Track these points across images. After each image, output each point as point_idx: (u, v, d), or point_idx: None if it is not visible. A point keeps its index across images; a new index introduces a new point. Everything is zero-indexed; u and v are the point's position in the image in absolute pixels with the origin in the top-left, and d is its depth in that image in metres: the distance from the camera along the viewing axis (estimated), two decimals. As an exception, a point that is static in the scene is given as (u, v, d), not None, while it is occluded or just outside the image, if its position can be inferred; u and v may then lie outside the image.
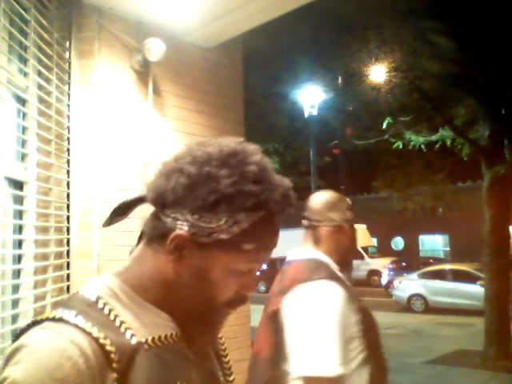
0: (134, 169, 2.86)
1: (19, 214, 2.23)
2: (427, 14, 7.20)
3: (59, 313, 0.69)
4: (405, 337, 9.87)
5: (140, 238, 0.82)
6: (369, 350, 1.55)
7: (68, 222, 2.58)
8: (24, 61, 2.24)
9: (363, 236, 17.34)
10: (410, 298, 13.86)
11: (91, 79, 2.72)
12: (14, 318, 2.06)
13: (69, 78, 2.64)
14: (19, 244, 2.19)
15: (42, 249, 2.32)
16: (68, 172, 2.61)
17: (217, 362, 0.90)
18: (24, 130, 2.24)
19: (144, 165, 2.90)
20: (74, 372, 0.63)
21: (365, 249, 20.76)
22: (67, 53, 2.65)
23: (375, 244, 25.00)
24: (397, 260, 20.50)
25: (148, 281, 0.77)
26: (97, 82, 2.73)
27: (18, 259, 2.17)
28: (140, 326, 0.73)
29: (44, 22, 2.34)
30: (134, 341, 0.70)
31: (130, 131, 2.89)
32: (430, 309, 13.37)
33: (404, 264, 19.75)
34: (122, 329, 0.71)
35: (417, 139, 9.04)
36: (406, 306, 13.87)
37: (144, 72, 2.95)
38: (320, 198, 1.78)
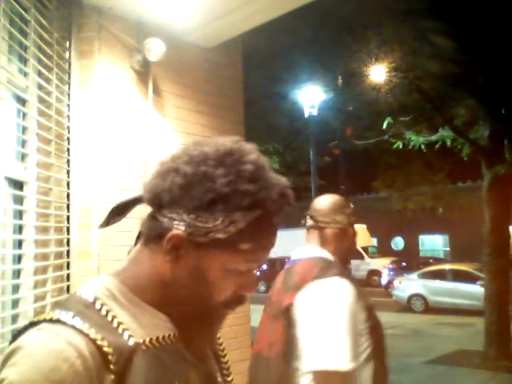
0: (134, 169, 2.86)
1: (19, 214, 2.23)
2: (427, 14, 7.21)
3: (56, 314, 0.69)
4: (405, 337, 9.87)
5: (138, 239, 0.82)
6: (373, 347, 1.61)
7: (68, 222, 2.58)
8: (24, 61, 2.24)
9: (363, 236, 17.36)
10: (410, 297, 13.86)
11: (91, 79, 2.72)
12: (14, 318, 2.06)
13: (69, 78, 2.64)
14: (19, 244, 2.19)
15: (42, 249, 2.32)
16: (68, 172, 2.61)
17: (215, 363, 0.89)
18: (24, 129, 2.24)
19: (144, 165, 2.90)
20: (72, 374, 0.62)
21: (365, 249, 20.76)
22: (67, 53, 2.65)
23: (375, 244, 25.01)
24: (397, 260, 20.49)
25: (145, 281, 0.77)
26: (97, 82, 2.73)
27: (18, 259, 2.17)
28: (138, 327, 0.73)
29: (44, 21, 2.34)
30: (131, 342, 0.70)
31: (130, 131, 2.89)
32: (429, 309, 13.37)
33: (404, 264, 19.75)
34: (120, 330, 0.70)
35: (417, 139, 9.03)
36: (406, 306, 13.86)
37: (144, 72, 2.95)
38: (328, 201, 1.84)
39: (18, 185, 2.20)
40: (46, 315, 0.70)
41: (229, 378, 0.92)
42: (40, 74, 2.35)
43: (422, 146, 9.32)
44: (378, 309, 1.77)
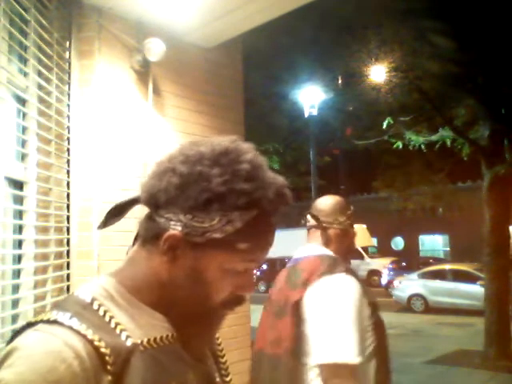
0: (134, 169, 2.86)
1: (19, 214, 2.23)
2: (427, 14, 7.20)
3: (53, 315, 0.69)
4: (405, 337, 9.87)
5: (135, 239, 0.82)
6: (376, 344, 1.64)
7: (68, 222, 2.58)
8: (24, 61, 2.24)
9: (363, 236, 17.33)
10: (410, 297, 13.86)
11: (91, 79, 2.72)
12: (14, 318, 2.06)
13: (69, 78, 2.64)
14: (19, 244, 2.19)
15: (42, 249, 2.32)
16: (68, 172, 2.61)
17: (214, 363, 0.89)
18: (24, 129, 2.24)
19: (144, 165, 2.90)
20: (69, 374, 0.62)
21: (365, 249, 20.75)
22: (67, 53, 2.65)
23: (375, 244, 25.01)
24: (397, 260, 20.50)
25: (143, 282, 0.77)
26: (97, 82, 2.73)
27: (18, 259, 2.17)
28: (135, 328, 0.73)
29: (44, 21, 2.34)
30: (129, 342, 0.70)
31: (130, 131, 2.89)
32: (430, 309, 13.37)
33: (404, 264, 19.77)
34: (118, 330, 0.70)
35: (417, 139, 9.04)
36: (406, 306, 13.87)
37: (144, 72, 2.95)
38: (330, 201, 1.88)
39: (18, 185, 2.20)
40: (43, 316, 0.70)
41: (227, 379, 0.91)
42: (40, 73, 2.35)
43: (422, 146, 9.33)
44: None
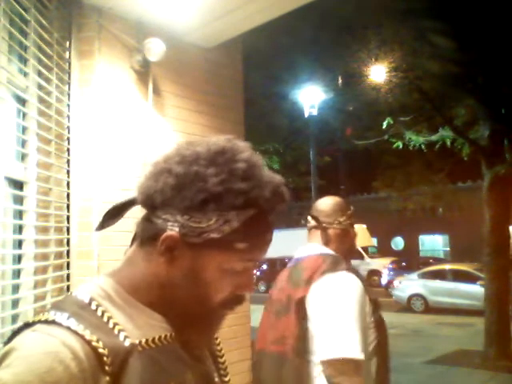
0: (134, 169, 2.86)
1: (19, 214, 2.23)
2: (427, 14, 7.21)
3: (51, 315, 0.69)
4: (405, 337, 9.87)
5: (133, 240, 0.81)
6: (377, 342, 1.66)
7: (68, 222, 2.58)
8: (24, 61, 2.24)
9: (363, 236, 17.31)
10: (410, 298, 13.87)
11: (91, 79, 2.72)
12: (14, 318, 2.06)
13: (69, 78, 2.64)
14: (19, 244, 2.19)
15: (42, 249, 2.32)
16: (68, 172, 2.61)
17: (212, 363, 0.89)
18: (24, 129, 2.24)
19: (144, 165, 2.90)
20: (66, 375, 0.62)
21: (365, 249, 20.74)
22: (67, 53, 2.65)
23: (375, 244, 25.00)
24: (397, 260, 20.49)
25: (141, 282, 0.76)
26: (97, 82, 2.73)
27: (18, 259, 2.17)
28: (133, 328, 0.72)
29: (44, 21, 2.34)
30: (127, 343, 0.69)
31: (130, 131, 2.89)
32: (429, 309, 13.37)
33: (404, 264, 19.75)
34: (116, 331, 0.70)
35: (417, 139, 9.04)
36: (406, 306, 13.87)
37: (144, 72, 2.95)
38: (330, 202, 1.90)
39: (18, 185, 2.20)
40: (40, 316, 0.69)
41: (226, 379, 0.91)
42: (40, 73, 2.35)
43: (422, 146, 9.33)
44: (378, 309, 1.79)
